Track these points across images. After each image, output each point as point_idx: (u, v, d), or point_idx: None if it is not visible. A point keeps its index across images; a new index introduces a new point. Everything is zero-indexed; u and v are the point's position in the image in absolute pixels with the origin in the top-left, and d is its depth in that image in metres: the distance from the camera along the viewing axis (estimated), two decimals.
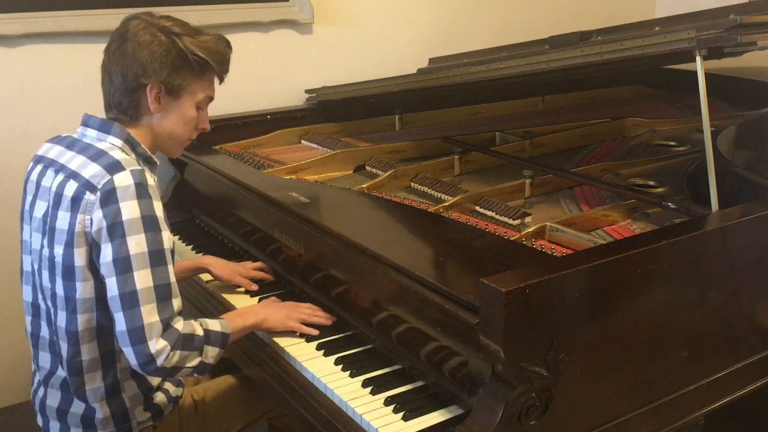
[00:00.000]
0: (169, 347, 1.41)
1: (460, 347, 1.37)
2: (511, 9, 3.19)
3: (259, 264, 1.98)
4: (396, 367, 1.55)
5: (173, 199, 2.44)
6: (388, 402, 1.43)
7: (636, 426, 1.45)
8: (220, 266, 1.94)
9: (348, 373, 1.54)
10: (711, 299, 1.54)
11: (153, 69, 1.49)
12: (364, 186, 2.07)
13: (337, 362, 1.57)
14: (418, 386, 1.49)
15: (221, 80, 1.62)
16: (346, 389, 1.48)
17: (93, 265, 1.44)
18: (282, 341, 1.67)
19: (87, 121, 1.55)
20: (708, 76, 1.56)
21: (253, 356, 1.71)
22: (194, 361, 1.47)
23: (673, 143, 2.46)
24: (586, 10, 3.34)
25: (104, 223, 1.40)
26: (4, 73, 2.26)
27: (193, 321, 1.50)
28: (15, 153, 2.27)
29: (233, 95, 2.61)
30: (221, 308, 1.87)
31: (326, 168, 2.27)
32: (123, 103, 1.53)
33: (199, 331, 1.49)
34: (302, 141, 2.58)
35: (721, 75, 2.79)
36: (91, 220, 1.41)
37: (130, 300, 1.39)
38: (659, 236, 1.44)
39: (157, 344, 1.40)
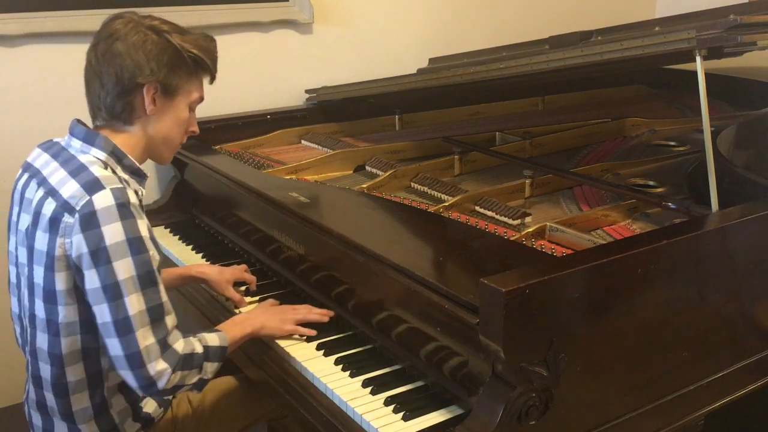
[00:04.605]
0: (170, 370, 1.38)
1: (460, 347, 1.37)
2: (511, 9, 3.19)
3: (244, 267, 1.95)
4: (396, 367, 1.55)
5: (173, 199, 2.44)
6: (388, 402, 1.43)
7: (636, 426, 1.45)
8: (214, 275, 1.88)
9: (348, 373, 1.54)
10: (711, 299, 1.54)
11: (150, 68, 1.42)
12: (364, 186, 2.07)
13: (337, 362, 1.57)
14: (418, 386, 1.49)
15: (213, 79, 1.56)
16: (346, 389, 1.48)
17: (76, 289, 1.38)
18: (282, 342, 1.66)
19: (73, 130, 1.48)
20: (708, 76, 1.55)
21: (253, 357, 1.70)
22: (194, 379, 1.45)
23: (673, 143, 2.46)
24: (586, 10, 3.34)
25: (85, 249, 1.32)
26: (4, 73, 2.26)
27: (192, 338, 1.47)
28: (15, 153, 2.25)
29: (233, 95, 2.62)
30: (227, 314, 1.85)
31: (326, 168, 2.27)
32: (116, 107, 1.45)
33: (199, 349, 1.45)
34: (302, 141, 2.58)
35: (721, 75, 2.79)
36: (72, 243, 1.34)
37: (124, 326, 1.34)
38: (659, 236, 1.44)
39: (157, 366, 1.36)
